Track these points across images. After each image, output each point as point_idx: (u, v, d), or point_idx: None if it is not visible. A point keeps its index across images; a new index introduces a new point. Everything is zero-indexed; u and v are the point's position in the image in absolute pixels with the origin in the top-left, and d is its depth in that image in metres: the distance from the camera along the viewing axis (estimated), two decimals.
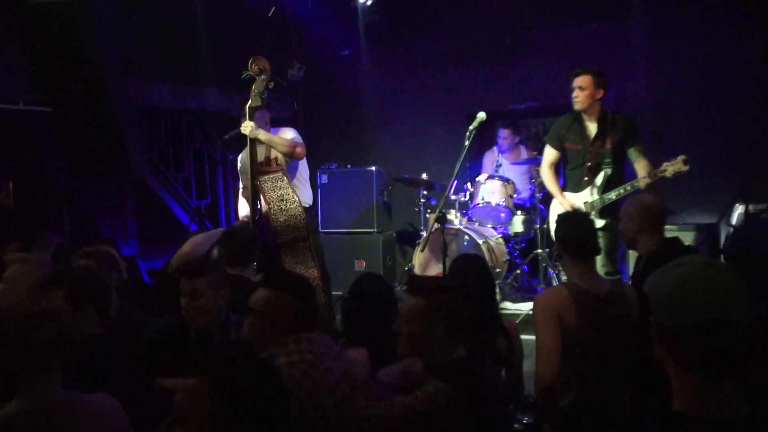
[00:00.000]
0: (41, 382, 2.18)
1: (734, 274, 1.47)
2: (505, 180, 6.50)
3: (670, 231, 6.01)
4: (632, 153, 4.99)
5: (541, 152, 6.74)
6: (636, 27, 7.01)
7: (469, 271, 3.38)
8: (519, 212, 6.68)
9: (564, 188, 5.26)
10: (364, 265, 7.03)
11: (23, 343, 2.19)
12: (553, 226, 5.32)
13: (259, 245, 4.09)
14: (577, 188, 5.12)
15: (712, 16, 6.71)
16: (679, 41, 6.81)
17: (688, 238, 6.05)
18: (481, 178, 6.54)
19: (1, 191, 7.16)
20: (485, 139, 7.82)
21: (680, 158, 4.67)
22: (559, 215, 3.42)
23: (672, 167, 4.68)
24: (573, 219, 3.32)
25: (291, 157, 5.05)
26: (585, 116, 5.05)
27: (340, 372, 2.45)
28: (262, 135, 4.96)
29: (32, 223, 6.21)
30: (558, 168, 5.45)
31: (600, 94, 4.97)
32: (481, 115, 4.81)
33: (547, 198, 6.70)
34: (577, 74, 4.97)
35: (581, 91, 4.95)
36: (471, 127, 4.82)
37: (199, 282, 3.03)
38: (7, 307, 3.14)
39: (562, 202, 5.08)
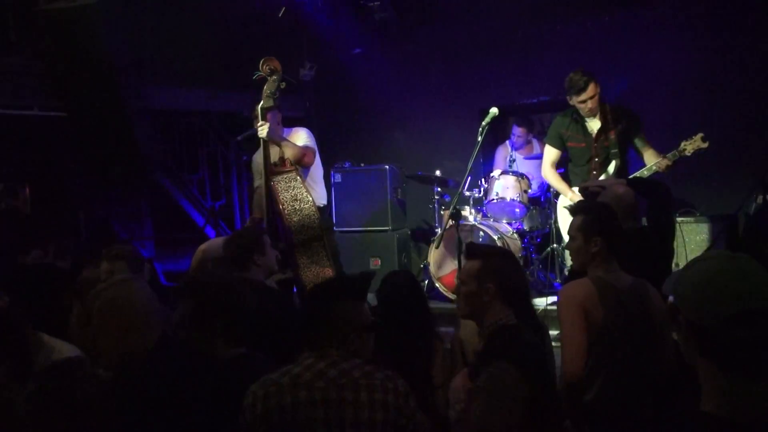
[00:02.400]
0: None
1: (758, 264, 1.41)
2: (519, 175, 6.45)
3: (687, 223, 6.00)
4: (638, 142, 4.99)
5: None
6: (648, 17, 6.94)
7: None
8: (533, 207, 6.64)
9: (569, 186, 5.20)
10: (379, 263, 7.01)
11: None
12: (562, 225, 5.30)
13: (265, 246, 3.70)
14: None
15: (725, 3, 6.63)
16: (691, 30, 6.73)
17: (705, 229, 5.98)
18: (495, 173, 6.50)
19: (17, 196, 7.22)
20: (498, 135, 7.79)
21: (698, 135, 4.63)
22: (606, 206, 3.26)
23: (691, 145, 4.64)
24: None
25: (299, 164, 5.06)
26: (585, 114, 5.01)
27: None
28: (276, 138, 4.97)
29: (49, 227, 6.25)
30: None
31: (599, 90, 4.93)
32: (494, 111, 4.79)
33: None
34: (586, 84, 4.83)
35: (592, 99, 4.88)
36: (484, 123, 4.80)
37: None
38: (103, 350, 2.44)
39: (573, 198, 5.02)
